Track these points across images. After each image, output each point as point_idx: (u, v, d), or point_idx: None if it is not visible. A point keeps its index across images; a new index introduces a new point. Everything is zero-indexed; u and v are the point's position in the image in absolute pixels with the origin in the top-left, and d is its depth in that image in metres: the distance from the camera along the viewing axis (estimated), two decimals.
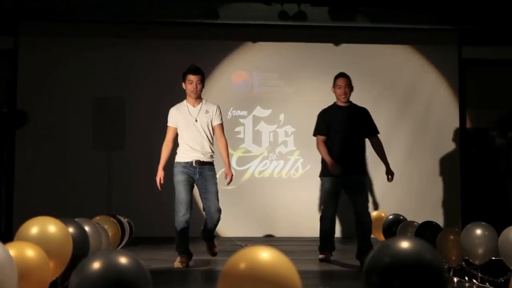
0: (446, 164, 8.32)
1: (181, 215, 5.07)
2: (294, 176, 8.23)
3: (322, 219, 5.60)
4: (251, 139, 8.27)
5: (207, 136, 5.26)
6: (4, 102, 7.92)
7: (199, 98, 5.31)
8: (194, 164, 5.17)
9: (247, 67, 8.26)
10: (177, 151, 5.28)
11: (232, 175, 5.31)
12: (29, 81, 8.00)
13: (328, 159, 5.42)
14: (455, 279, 4.50)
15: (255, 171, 8.20)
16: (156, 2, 7.67)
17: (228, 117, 8.14)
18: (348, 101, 5.56)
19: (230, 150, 7.97)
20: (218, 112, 5.32)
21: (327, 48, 8.33)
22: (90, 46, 8.03)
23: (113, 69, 8.06)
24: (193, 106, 5.27)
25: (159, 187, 5.17)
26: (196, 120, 5.23)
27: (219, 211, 5.20)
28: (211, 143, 5.28)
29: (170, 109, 5.32)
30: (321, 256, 5.52)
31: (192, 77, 5.22)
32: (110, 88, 8.06)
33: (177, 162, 5.24)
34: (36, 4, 7.52)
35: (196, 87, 5.22)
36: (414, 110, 8.34)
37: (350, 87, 5.53)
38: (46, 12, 7.63)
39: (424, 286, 1.89)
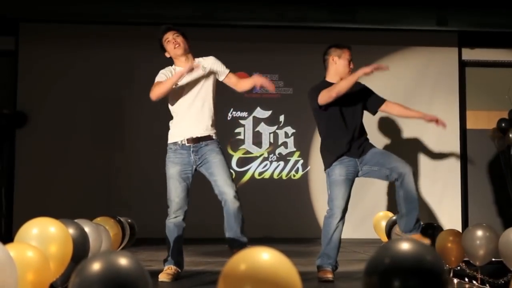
0: (446, 166, 8.32)
1: (171, 217, 4.37)
2: (294, 177, 8.23)
3: (327, 223, 4.35)
4: (251, 140, 8.27)
5: (207, 102, 4.38)
6: (4, 103, 7.92)
7: (188, 54, 4.36)
8: (186, 144, 4.29)
9: (247, 68, 8.25)
10: (170, 126, 4.45)
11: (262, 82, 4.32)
12: (29, 81, 8.00)
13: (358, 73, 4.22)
14: (455, 281, 4.50)
15: (255, 172, 8.20)
16: (156, 3, 7.66)
17: (228, 118, 8.15)
18: None
19: (230, 152, 8.04)
20: (217, 62, 4.42)
21: None
22: (90, 46, 8.04)
23: (113, 70, 8.06)
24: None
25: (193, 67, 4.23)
26: (193, 82, 4.33)
27: (234, 189, 4.31)
28: (213, 112, 4.39)
29: (159, 73, 4.42)
30: (325, 275, 4.28)
31: (167, 36, 4.31)
32: (110, 88, 8.07)
33: (168, 144, 4.39)
34: (36, 5, 7.52)
35: (176, 41, 4.29)
36: None
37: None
38: (46, 13, 7.63)
39: (424, 287, 1.88)
